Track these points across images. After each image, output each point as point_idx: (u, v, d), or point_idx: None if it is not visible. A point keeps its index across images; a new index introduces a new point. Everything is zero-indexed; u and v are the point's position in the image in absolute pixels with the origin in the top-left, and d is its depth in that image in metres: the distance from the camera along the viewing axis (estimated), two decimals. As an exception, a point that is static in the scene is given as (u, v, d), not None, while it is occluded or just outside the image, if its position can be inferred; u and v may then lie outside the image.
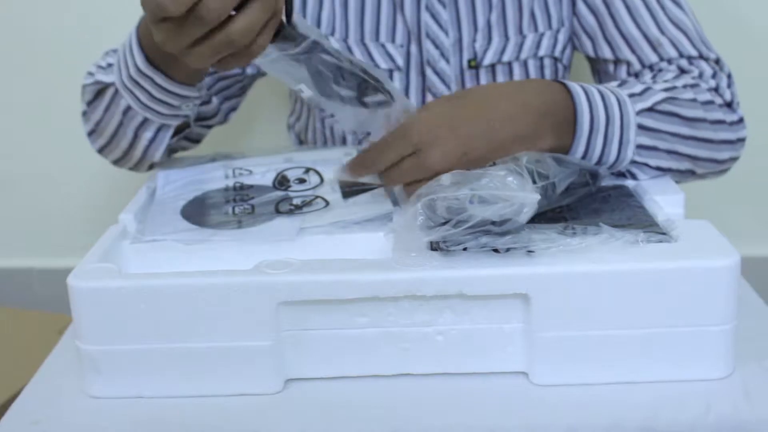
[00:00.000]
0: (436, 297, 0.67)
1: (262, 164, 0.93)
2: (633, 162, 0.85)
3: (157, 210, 0.84)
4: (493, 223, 0.66)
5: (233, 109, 1.09)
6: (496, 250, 0.68)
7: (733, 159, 0.94)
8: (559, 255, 0.67)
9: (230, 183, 0.89)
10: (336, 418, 0.67)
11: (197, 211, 0.83)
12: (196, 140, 1.05)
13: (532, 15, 1.05)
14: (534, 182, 0.70)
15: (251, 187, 0.88)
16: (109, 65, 0.94)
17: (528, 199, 0.66)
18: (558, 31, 1.06)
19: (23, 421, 0.68)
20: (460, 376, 0.70)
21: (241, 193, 0.86)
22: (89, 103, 0.97)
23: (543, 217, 0.73)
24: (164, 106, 0.90)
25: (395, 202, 0.82)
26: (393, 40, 1.05)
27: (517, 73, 1.07)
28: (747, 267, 0.71)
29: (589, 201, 0.78)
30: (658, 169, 0.87)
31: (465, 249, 0.68)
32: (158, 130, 0.93)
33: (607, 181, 0.83)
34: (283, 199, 0.84)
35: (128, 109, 0.91)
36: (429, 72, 1.06)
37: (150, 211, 0.84)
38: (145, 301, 0.67)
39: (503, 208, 0.66)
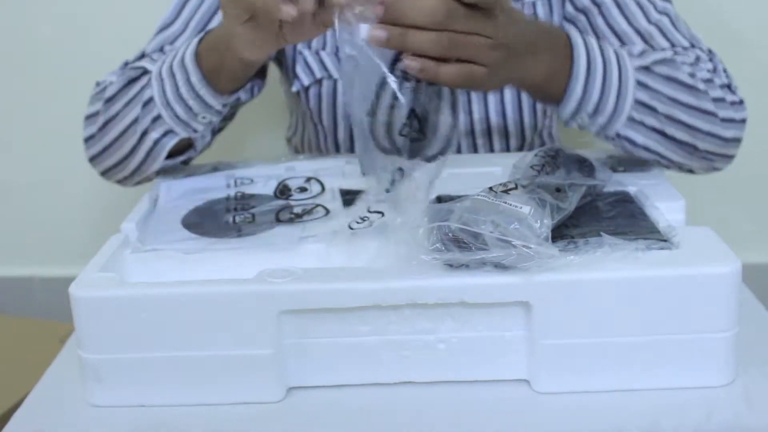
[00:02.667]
0: (437, 305, 0.67)
1: (264, 174, 0.93)
2: (631, 120, 0.85)
3: (159, 219, 0.84)
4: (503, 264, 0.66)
5: (220, 130, 1.09)
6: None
7: (737, 140, 0.93)
8: (560, 263, 0.67)
9: (231, 192, 0.90)
10: (338, 427, 0.67)
11: (198, 221, 0.83)
12: (185, 162, 1.05)
13: None
14: (552, 218, 0.70)
15: (252, 196, 0.88)
16: (153, 59, 0.96)
17: (544, 254, 0.65)
18: None
19: (26, 430, 0.68)
20: (461, 384, 0.70)
21: (242, 202, 0.87)
22: (110, 99, 0.96)
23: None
24: (184, 107, 0.90)
25: (364, 173, 0.80)
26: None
27: (508, 86, 1.07)
28: (748, 274, 0.71)
29: (590, 208, 0.78)
30: (656, 132, 0.87)
31: (467, 266, 0.68)
32: (165, 134, 0.93)
33: (608, 188, 0.83)
34: (284, 208, 0.84)
35: (150, 100, 0.91)
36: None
37: (151, 221, 0.84)
38: (147, 310, 0.67)
39: (518, 256, 0.65)
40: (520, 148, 1.13)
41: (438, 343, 0.69)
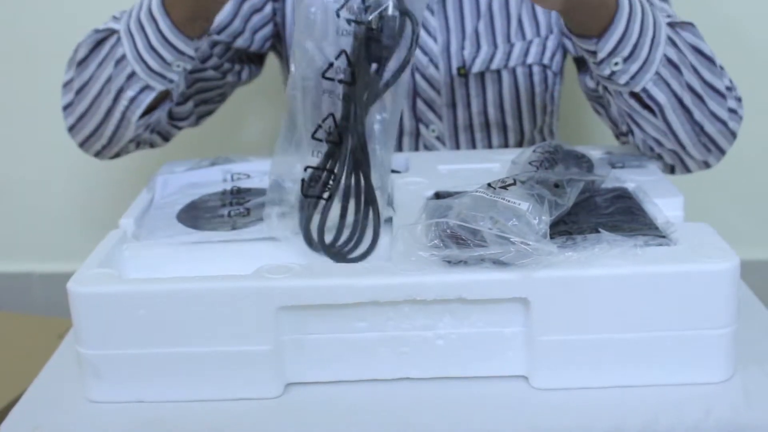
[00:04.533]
0: (435, 301, 0.67)
1: (261, 169, 0.93)
2: (657, 75, 0.83)
3: (154, 214, 0.84)
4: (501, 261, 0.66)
5: (208, 113, 1.09)
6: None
7: (734, 135, 0.93)
8: (558, 259, 0.67)
9: (228, 187, 0.90)
10: (336, 423, 0.67)
11: (193, 215, 0.83)
12: (165, 137, 1.04)
13: (520, 23, 1.05)
14: (550, 214, 0.70)
15: (248, 190, 0.88)
16: (116, 18, 0.95)
17: (542, 251, 0.65)
18: (546, 38, 1.06)
19: (24, 426, 0.68)
20: (460, 380, 0.70)
21: (237, 196, 0.87)
22: (81, 62, 0.96)
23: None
24: (157, 59, 0.89)
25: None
26: None
27: (506, 80, 1.08)
28: (746, 270, 0.71)
29: (588, 204, 0.78)
30: (676, 98, 0.85)
31: (465, 263, 0.68)
32: (141, 91, 0.92)
33: (607, 184, 0.83)
34: None
35: (122, 58, 0.91)
36: (418, 78, 1.06)
37: (147, 215, 0.84)
38: (145, 306, 0.67)
39: (516, 253, 0.65)
40: (519, 144, 1.13)
41: (436, 339, 0.69)
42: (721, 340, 0.67)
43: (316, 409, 0.68)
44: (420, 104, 1.08)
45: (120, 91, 0.93)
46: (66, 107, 0.99)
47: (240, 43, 1.06)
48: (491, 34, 1.05)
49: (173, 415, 0.68)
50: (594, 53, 0.83)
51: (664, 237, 0.71)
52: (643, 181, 0.84)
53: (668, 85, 0.85)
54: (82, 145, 1.01)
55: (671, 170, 0.95)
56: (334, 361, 0.69)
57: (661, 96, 0.85)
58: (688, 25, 0.88)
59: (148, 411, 0.68)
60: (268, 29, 1.09)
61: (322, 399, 0.69)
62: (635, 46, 0.82)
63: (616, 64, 0.83)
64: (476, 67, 1.06)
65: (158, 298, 0.67)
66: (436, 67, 1.06)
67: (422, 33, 1.05)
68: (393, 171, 0.92)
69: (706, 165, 0.95)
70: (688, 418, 0.65)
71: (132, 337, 0.68)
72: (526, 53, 1.06)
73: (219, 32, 1.04)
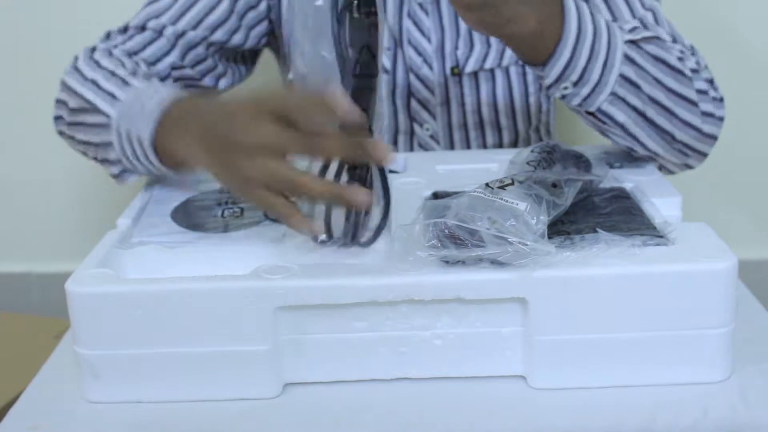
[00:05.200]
0: (434, 301, 0.67)
1: None
2: (613, 95, 0.84)
3: (150, 211, 0.84)
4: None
5: None
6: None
7: (713, 138, 0.92)
8: (556, 259, 0.67)
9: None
10: (334, 422, 0.67)
11: (187, 213, 0.83)
12: None
13: None
14: (548, 214, 0.70)
15: None
16: (113, 96, 0.91)
17: (540, 251, 0.65)
18: None
19: (21, 426, 0.68)
20: (458, 380, 0.70)
21: (233, 196, 0.86)
22: (73, 110, 0.95)
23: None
24: (143, 168, 0.89)
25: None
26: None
27: (500, 79, 1.08)
28: (744, 270, 0.71)
29: (586, 204, 0.78)
30: (637, 113, 0.85)
31: (463, 263, 0.68)
32: (124, 171, 0.92)
33: (605, 184, 0.83)
34: None
35: (109, 144, 0.90)
36: (412, 77, 1.07)
37: (143, 213, 0.84)
38: (143, 306, 0.67)
39: (513, 253, 0.65)
40: (514, 143, 1.13)
41: (434, 339, 0.69)
42: (719, 340, 0.67)
43: (315, 409, 0.68)
44: (414, 104, 1.08)
45: (105, 162, 0.93)
46: (56, 118, 1.00)
47: (235, 40, 1.06)
48: None
49: (171, 415, 0.68)
50: (542, 77, 0.84)
51: (662, 237, 0.71)
52: (641, 181, 0.84)
53: (626, 102, 0.85)
54: (61, 136, 1.02)
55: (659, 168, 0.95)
56: (333, 361, 0.69)
57: (619, 114, 0.86)
58: (653, 39, 0.88)
59: (146, 411, 0.68)
60: (263, 26, 1.09)
61: (321, 399, 0.69)
62: (584, 70, 0.82)
63: (566, 88, 0.84)
64: (469, 67, 1.06)
65: (156, 299, 0.67)
66: (430, 67, 1.06)
67: (416, 33, 1.05)
68: (391, 171, 0.92)
69: (688, 167, 0.95)
70: (686, 418, 0.65)
71: (130, 338, 0.68)
72: None
73: (214, 30, 1.04)
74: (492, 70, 1.07)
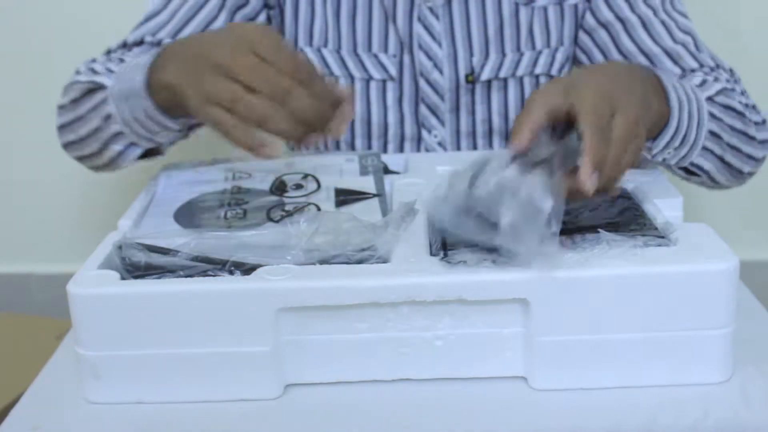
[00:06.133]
0: (435, 302, 0.67)
1: (262, 168, 0.93)
2: (704, 149, 0.88)
3: (152, 210, 0.84)
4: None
5: (199, 125, 1.09)
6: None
7: (765, 159, 0.98)
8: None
9: (228, 186, 0.89)
10: (335, 423, 0.67)
11: (190, 214, 0.83)
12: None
13: (531, 33, 1.05)
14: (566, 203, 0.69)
15: (248, 191, 0.88)
16: (110, 71, 0.93)
17: (545, 255, 0.66)
18: (556, 50, 1.06)
19: (23, 427, 0.68)
20: (459, 381, 0.70)
21: (236, 196, 0.86)
22: (74, 101, 0.96)
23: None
24: (143, 128, 0.89)
25: (380, 191, 0.84)
26: (386, 50, 1.05)
27: (512, 89, 1.08)
28: (745, 271, 0.71)
29: (587, 205, 0.78)
30: (718, 158, 0.90)
31: (464, 263, 0.68)
32: (128, 146, 0.93)
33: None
34: (276, 206, 0.84)
35: (109, 116, 0.90)
36: (422, 83, 1.06)
37: (147, 212, 0.84)
38: (144, 307, 0.67)
39: (521, 257, 0.65)
40: None
41: (435, 340, 0.69)
42: (720, 341, 0.67)
43: (316, 410, 0.68)
44: (423, 109, 1.08)
45: (108, 142, 0.93)
46: (61, 127, 1.00)
47: None
48: (500, 41, 1.05)
49: (172, 416, 0.68)
50: (649, 149, 0.86)
51: (663, 237, 0.71)
52: (643, 182, 0.84)
53: (712, 152, 0.90)
54: (79, 160, 1.02)
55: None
56: (334, 362, 0.69)
57: (706, 164, 0.90)
58: (722, 91, 0.92)
59: (147, 412, 0.68)
60: None
61: (322, 400, 0.69)
62: (685, 135, 0.86)
63: (669, 153, 0.87)
64: (485, 75, 1.06)
65: (158, 300, 0.67)
66: (441, 72, 1.06)
67: (427, 38, 1.05)
68: (392, 172, 0.92)
69: (751, 176, 1.00)
70: (687, 419, 0.65)
71: (131, 338, 0.68)
72: (534, 63, 1.06)
73: None
74: (506, 80, 1.07)
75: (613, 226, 0.72)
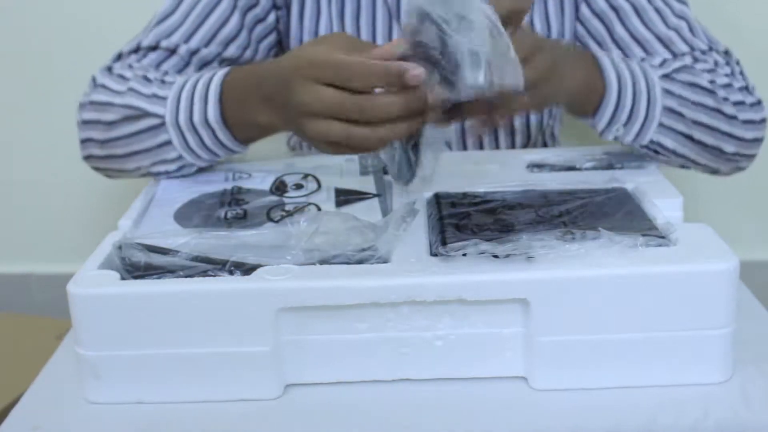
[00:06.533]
0: (435, 302, 0.67)
1: (263, 168, 0.93)
2: (661, 126, 0.89)
3: (153, 211, 0.84)
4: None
5: None
6: (495, 256, 0.68)
7: (759, 140, 0.96)
8: (558, 260, 0.67)
9: (228, 186, 0.90)
10: (335, 424, 0.67)
11: (190, 214, 0.83)
12: None
13: (532, 26, 1.05)
14: None
15: (248, 191, 0.88)
16: (156, 96, 0.91)
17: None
18: None
19: (23, 427, 0.68)
20: (459, 381, 0.70)
21: (236, 197, 0.87)
22: (112, 123, 0.94)
23: (542, 222, 0.74)
24: (209, 155, 0.90)
25: (380, 191, 0.85)
26: None
27: None
28: (746, 271, 0.71)
29: (587, 205, 0.78)
30: (684, 136, 0.90)
31: (464, 255, 0.68)
32: (181, 167, 0.93)
33: (607, 184, 0.83)
34: (276, 206, 0.84)
35: (167, 143, 0.90)
36: None
37: (147, 212, 0.84)
38: (144, 307, 0.67)
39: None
40: (525, 146, 1.13)
41: (436, 340, 0.69)
42: (720, 341, 0.67)
43: (316, 410, 0.68)
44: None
45: (158, 163, 0.93)
46: (86, 141, 0.98)
47: (247, 55, 1.06)
48: None
49: (172, 416, 0.68)
50: (594, 126, 0.90)
51: (663, 237, 0.71)
52: (643, 182, 0.84)
53: (673, 129, 0.90)
54: (97, 170, 1.01)
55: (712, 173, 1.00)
56: (334, 362, 0.69)
57: (668, 141, 0.90)
58: (682, 68, 0.93)
59: (148, 412, 0.69)
60: (272, 38, 1.09)
61: (322, 400, 0.69)
62: (631, 111, 0.88)
63: (618, 130, 0.89)
64: None
65: (158, 300, 0.67)
66: None
67: None
68: None
69: (740, 169, 0.99)
70: (687, 419, 0.65)
71: (131, 338, 0.68)
72: None
73: (226, 45, 1.03)
74: None
75: (613, 226, 0.72)
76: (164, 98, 0.91)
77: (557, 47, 0.88)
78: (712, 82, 0.93)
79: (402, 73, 0.70)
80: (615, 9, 1.02)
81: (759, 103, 0.97)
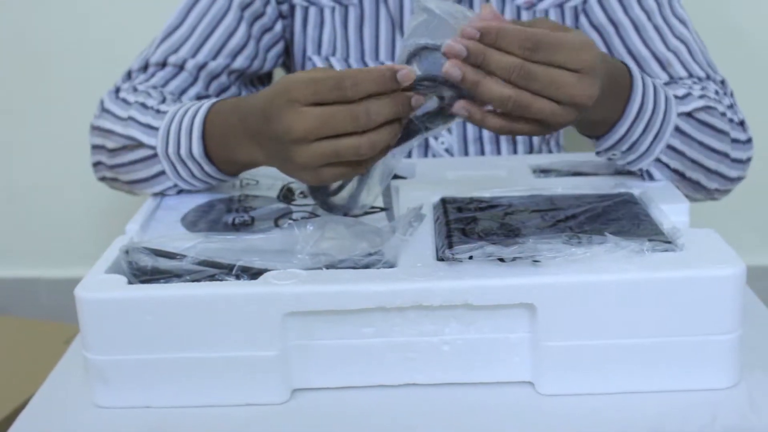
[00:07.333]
0: (442, 307, 0.67)
1: (270, 175, 0.93)
2: (657, 161, 0.86)
3: (160, 215, 0.84)
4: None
5: None
6: (501, 260, 0.68)
7: (740, 179, 0.95)
8: (564, 265, 0.67)
9: (236, 192, 0.90)
10: (342, 428, 0.67)
11: (197, 219, 0.83)
12: None
13: None
14: None
15: (256, 197, 0.88)
16: (150, 126, 0.91)
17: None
18: None
19: (31, 431, 0.68)
20: (466, 386, 0.70)
21: (244, 203, 0.87)
22: (113, 150, 0.95)
23: (548, 227, 0.74)
24: (203, 183, 0.90)
25: (388, 205, 0.84)
26: (393, 58, 1.05)
27: None
28: (752, 276, 0.71)
29: (594, 210, 0.78)
30: (677, 173, 0.88)
31: (471, 258, 0.68)
32: (180, 192, 0.93)
33: (613, 189, 0.83)
34: (284, 214, 0.84)
35: (161, 173, 0.90)
36: None
37: (154, 217, 0.84)
38: (152, 311, 0.67)
39: None
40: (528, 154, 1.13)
41: (442, 345, 0.69)
42: (727, 346, 0.67)
43: (322, 415, 0.68)
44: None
45: (159, 190, 0.93)
46: (97, 164, 0.99)
47: (255, 66, 1.06)
48: None
49: (180, 420, 0.68)
50: (592, 140, 0.86)
51: (669, 243, 0.71)
52: (649, 187, 0.84)
53: (668, 167, 0.87)
54: (112, 188, 1.01)
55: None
56: (341, 366, 0.69)
57: (657, 174, 0.88)
58: (704, 108, 0.89)
59: (155, 416, 0.69)
60: (279, 47, 1.09)
61: (329, 405, 0.69)
62: (634, 143, 0.84)
63: (614, 155, 0.86)
64: None
65: (165, 304, 0.67)
66: None
67: None
68: (399, 177, 0.92)
69: (713, 200, 0.97)
70: (694, 424, 0.65)
71: (139, 343, 0.68)
72: None
73: (234, 57, 1.03)
74: None
75: (620, 231, 0.72)
76: (157, 129, 0.90)
77: (606, 69, 0.77)
78: (723, 114, 0.90)
79: (393, 73, 0.70)
80: (614, 24, 1.02)
81: (749, 140, 0.95)
